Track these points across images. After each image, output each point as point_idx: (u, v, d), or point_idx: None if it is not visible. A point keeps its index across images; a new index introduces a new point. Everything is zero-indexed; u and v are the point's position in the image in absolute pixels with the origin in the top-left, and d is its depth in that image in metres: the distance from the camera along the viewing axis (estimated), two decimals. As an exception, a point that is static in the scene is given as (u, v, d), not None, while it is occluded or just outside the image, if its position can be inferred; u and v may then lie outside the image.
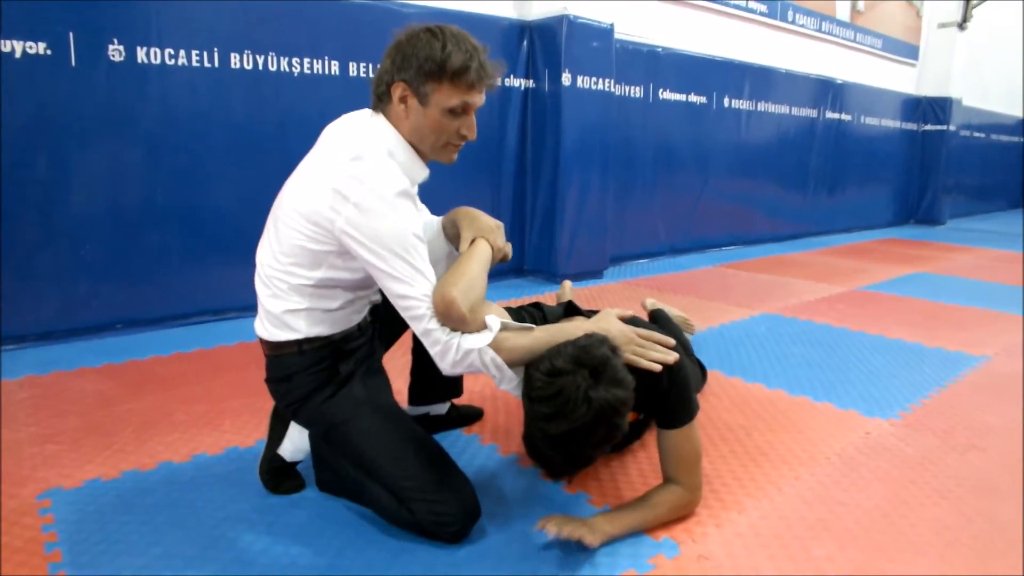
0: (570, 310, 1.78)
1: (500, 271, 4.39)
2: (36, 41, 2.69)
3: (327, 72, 3.44)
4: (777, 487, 1.83)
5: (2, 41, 2.63)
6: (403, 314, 1.45)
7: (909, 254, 6.24)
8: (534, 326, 1.51)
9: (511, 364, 1.47)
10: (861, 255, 6.08)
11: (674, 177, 5.47)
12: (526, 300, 3.23)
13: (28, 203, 2.75)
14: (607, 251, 4.71)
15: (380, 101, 1.53)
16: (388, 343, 1.88)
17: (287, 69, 3.33)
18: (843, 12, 7.14)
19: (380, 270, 1.41)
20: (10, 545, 1.47)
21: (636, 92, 5.01)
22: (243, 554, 1.47)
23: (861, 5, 7.36)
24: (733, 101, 5.88)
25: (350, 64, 3.51)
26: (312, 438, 1.69)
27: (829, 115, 7.03)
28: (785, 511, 1.71)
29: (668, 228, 5.51)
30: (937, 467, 1.98)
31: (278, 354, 1.59)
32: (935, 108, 8.56)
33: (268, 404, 1.84)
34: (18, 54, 2.66)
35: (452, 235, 1.72)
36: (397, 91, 1.48)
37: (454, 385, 2.12)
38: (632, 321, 1.64)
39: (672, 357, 1.53)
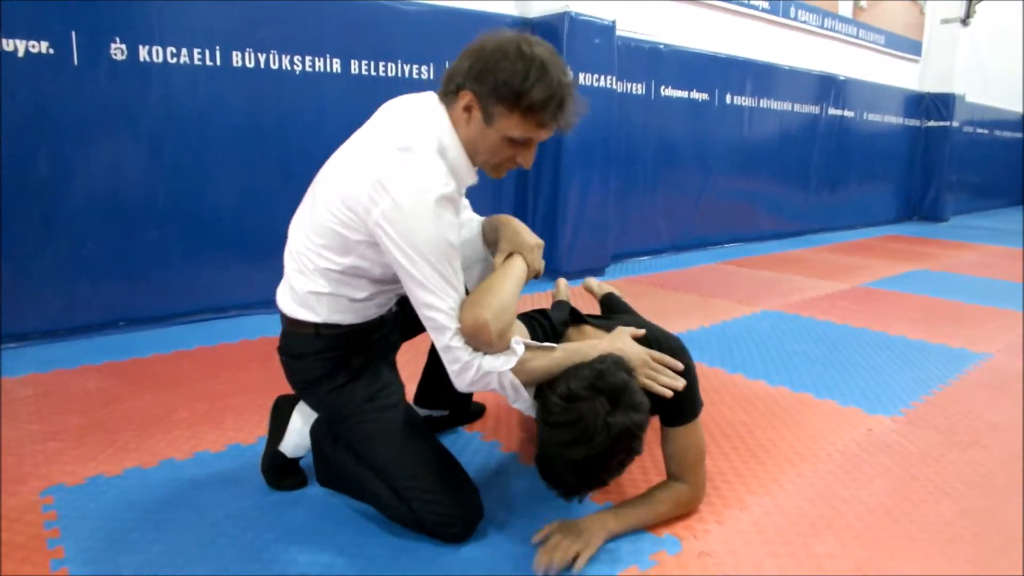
0: (575, 317, 1.76)
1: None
2: (38, 40, 2.69)
3: (328, 70, 3.44)
4: (779, 484, 1.83)
5: (4, 40, 2.63)
6: (425, 323, 1.41)
7: (912, 251, 6.23)
8: (555, 345, 1.49)
9: (527, 385, 1.45)
10: (863, 252, 6.07)
11: (676, 174, 5.46)
12: (526, 299, 3.23)
13: (30, 201, 2.75)
14: (609, 248, 4.70)
15: (446, 96, 1.45)
16: (410, 335, 1.85)
17: (288, 67, 3.33)
18: (845, 8, 7.12)
19: (408, 274, 1.36)
20: (12, 542, 1.48)
21: (638, 89, 5.00)
22: (245, 551, 1.47)
23: (864, 2, 7.34)
24: (735, 98, 5.87)
25: (351, 62, 3.51)
26: (313, 433, 1.68)
27: (831, 112, 7.02)
28: (787, 508, 1.71)
29: (670, 225, 5.51)
30: (939, 464, 1.98)
31: (295, 331, 1.56)
32: (938, 104, 8.54)
33: (270, 401, 1.85)
34: (20, 53, 2.66)
35: (491, 240, 1.67)
36: (465, 98, 1.40)
37: (465, 400, 2.12)
38: (643, 341, 1.61)
39: (680, 384, 1.52)
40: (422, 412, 2.05)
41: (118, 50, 2.86)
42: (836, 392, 2.52)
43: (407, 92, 3.74)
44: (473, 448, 2.00)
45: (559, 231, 4.30)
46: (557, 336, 1.67)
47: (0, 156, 2.66)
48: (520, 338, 1.45)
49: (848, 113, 7.28)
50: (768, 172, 6.41)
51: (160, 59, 2.96)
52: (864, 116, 7.57)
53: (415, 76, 3.74)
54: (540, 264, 1.60)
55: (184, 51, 3.02)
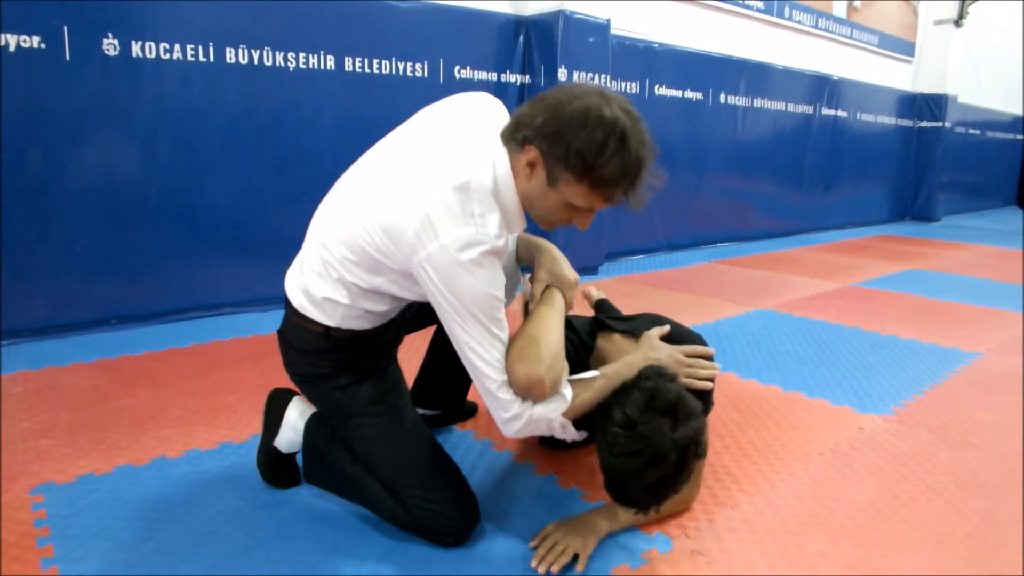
0: (599, 324, 1.75)
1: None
2: (30, 35, 2.67)
3: (322, 67, 3.43)
4: (770, 483, 1.83)
5: (-5, 34, 2.62)
6: (470, 371, 1.36)
7: (904, 251, 6.26)
8: (596, 374, 1.48)
9: (573, 419, 1.43)
10: (856, 251, 6.09)
11: (670, 173, 5.35)
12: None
13: (21, 198, 2.73)
14: (603, 247, 4.71)
15: (510, 141, 1.33)
16: (414, 329, 1.83)
17: (282, 64, 3.32)
18: (839, 9, 7.13)
19: (452, 318, 1.30)
20: (2, 540, 1.47)
21: (632, 88, 5.00)
22: (236, 550, 1.46)
23: (858, 3, 7.35)
24: (729, 97, 5.88)
25: (345, 59, 3.50)
26: (308, 429, 1.67)
27: (825, 111, 7.03)
28: (778, 506, 1.71)
29: (664, 224, 5.51)
30: (930, 463, 1.99)
31: (303, 325, 1.49)
32: (931, 105, 8.57)
33: (263, 399, 1.84)
34: (12, 47, 2.64)
35: (524, 258, 1.63)
36: (530, 154, 1.30)
37: (459, 399, 2.10)
38: (668, 338, 1.62)
39: (717, 368, 1.56)
40: None
41: (111, 45, 2.85)
42: (828, 391, 2.52)
43: (401, 89, 3.74)
44: (465, 446, 1.99)
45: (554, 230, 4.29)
46: (588, 349, 1.67)
47: (-9, 152, 2.66)
48: (567, 382, 1.42)
49: (842, 113, 7.29)
50: (762, 171, 6.42)
51: (153, 55, 2.95)
52: (857, 116, 7.59)
53: (409, 74, 3.73)
54: (573, 302, 1.56)
55: (177, 47, 3.01)
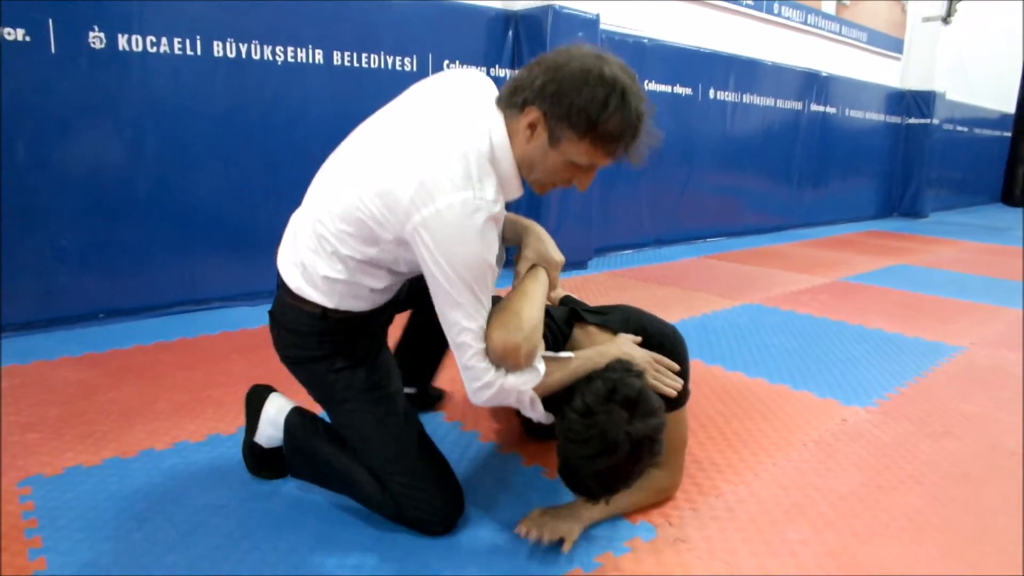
0: (576, 316, 1.77)
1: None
2: (14, 27, 2.66)
3: (311, 61, 3.43)
4: (754, 472, 1.85)
5: (-19, 27, 2.61)
6: (449, 339, 1.37)
7: (891, 246, 6.30)
8: (571, 355, 1.50)
9: (542, 396, 1.46)
10: (844, 247, 6.13)
11: (659, 168, 5.49)
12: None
13: (7, 192, 2.72)
14: (592, 242, 4.72)
15: (508, 106, 1.35)
16: (401, 310, 1.85)
17: (270, 58, 3.31)
18: (828, 6, 7.17)
19: (441, 288, 1.31)
20: (-10, 531, 1.48)
21: (621, 83, 5.01)
22: (224, 540, 1.47)
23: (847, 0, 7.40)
24: (719, 93, 5.90)
25: (334, 53, 3.50)
26: (288, 424, 1.67)
27: (814, 108, 7.07)
28: (761, 496, 1.73)
29: (653, 219, 5.53)
30: (912, 453, 2.01)
31: (298, 306, 1.48)
32: (919, 102, 8.62)
33: (250, 392, 1.85)
34: (-3, 40, 2.64)
35: (509, 238, 1.61)
36: (531, 116, 1.31)
37: (429, 379, 2.13)
38: (643, 334, 1.64)
39: (680, 383, 1.56)
40: None
41: (96, 39, 2.84)
42: (813, 384, 2.55)
43: (390, 84, 3.75)
44: (453, 437, 2.01)
45: (542, 224, 4.29)
46: (564, 337, 1.69)
47: (-23, 145, 2.65)
48: (542, 358, 1.45)
49: (830, 109, 7.33)
50: (751, 167, 6.45)
51: (140, 48, 2.94)
52: (846, 112, 7.63)
53: (398, 68, 3.73)
54: (557, 281, 1.58)
55: (164, 40, 3.00)
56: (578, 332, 1.70)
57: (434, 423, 2.10)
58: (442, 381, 2.25)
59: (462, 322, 1.33)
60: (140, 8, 2.91)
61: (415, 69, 3.79)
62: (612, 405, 1.34)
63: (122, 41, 2.89)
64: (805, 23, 6.85)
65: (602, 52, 1.33)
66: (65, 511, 1.56)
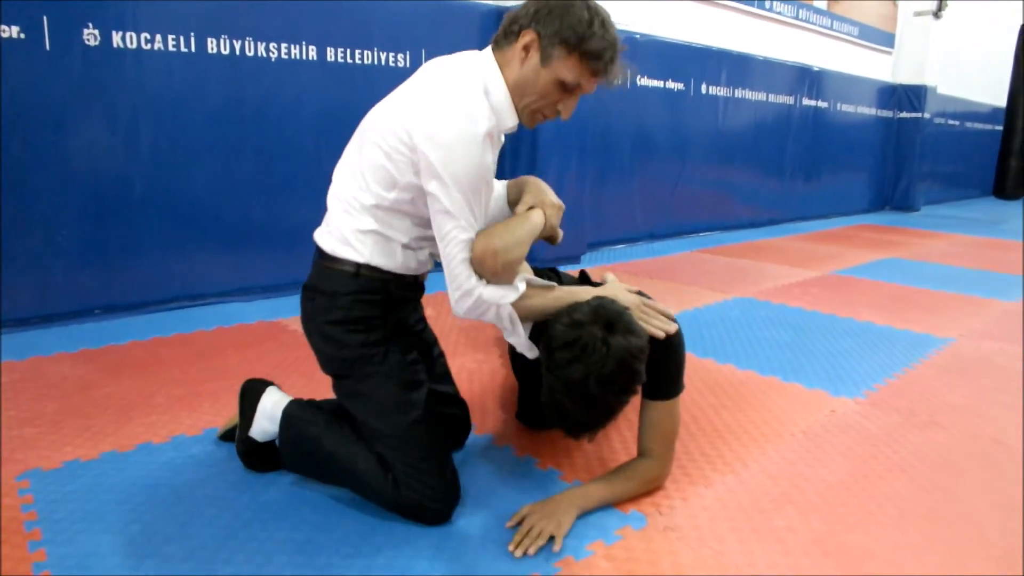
0: (583, 279, 1.84)
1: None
2: (9, 25, 2.67)
3: (304, 57, 3.44)
4: (743, 463, 1.88)
5: (-26, 25, 2.61)
6: (441, 250, 1.48)
7: (883, 240, 6.34)
8: (555, 284, 1.58)
9: (524, 320, 1.54)
10: (836, 240, 6.17)
11: (652, 163, 5.51)
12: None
13: (3, 189, 2.74)
14: (585, 237, 4.75)
15: (504, 39, 1.51)
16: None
17: (264, 54, 3.32)
18: (820, 0, 7.20)
19: (439, 202, 1.43)
20: (-10, 524, 1.50)
21: (614, 79, 5.03)
22: (222, 530, 1.50)
23: (838, -7, 7.43)
24: (711, 88, 5.92)
25: (328, 49, 3.51)
26: (286, 414, 1.68)
27: (806, 102, 7.11)
28: (750, 485, 1.77)
29: (646, 214, 5.56)
30: (898, 443, 2.05)
31: (332, 267, 1.57)
32: (910, 96, 8.67)
33: (246, 386, 1.87)
34: (-9, 38, 2.65)
35: (514, 200, 1.72)
36: (526, 38, 1.46)
37: None
38: (638, 295, 1.69)
39: (673, 327, 1.60)
40: None
41: (91, 35, 2.85)
42: (803, 376, 2.58)
43: (383, 80, 3.79)
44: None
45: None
46: None
47: (-28, 143, 2.66)
48: (525, 275, 1.53)
49: (822, 104, 7.37)
50: (743, 162, 6.48)
51: (134, 45, 2.95)
52: (838, 107, 7.67)
53: (391, 64, 3.75)
54: (557, 221, 1.67)
55: (159, 37, 3.01)
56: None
57: (428, 416, 2.12)
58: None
59: (453, 231, 1.45)
60: (134, 5, 2.92)
61: (408, 65, 3.81)
62: (596, 320, 1.42)
63: (116, 38, 2.90)
64: (797, 18, 6.88)
65: None
66: (64, 504, 1.59)
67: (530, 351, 1.59)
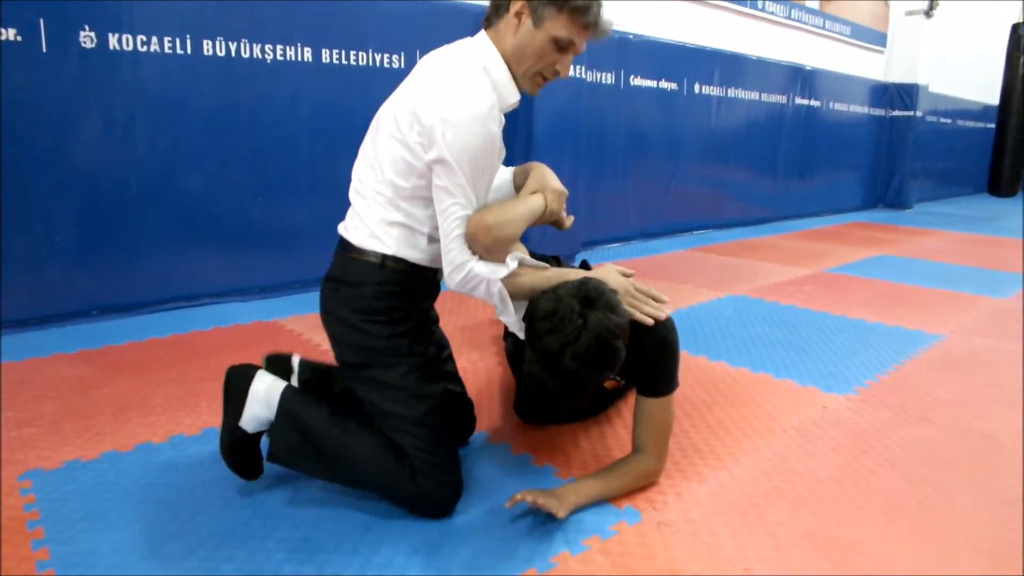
0: (582, 267, 1.86)
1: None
2: (6, 27, 2.68)
3: (299, 59, 3.46)
4: (736, 458, 1.91)
5: (-30, 28, 2.63)
6: (439, 224, 1.54)
7: (875, 237, 6.39)
8: (547, 266, 1.62)
9: (515, 298, 1.59)
10: (829, 238, 6.21)
11: (645, 162, 5.54)
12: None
13: (0, 190, 2.75)
14: (579, 235, 4.77)
15: (495, 13, 1.59)
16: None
17: (259, 56, 3.34)
18: (812, 0, 7.24)
19: (442, 177, 1.49)
20: (-8, 523, 1.52)
21: (607, 79, 5.07)
22: (221, 528, 1.52)
23: (830, -8, 7.47)
24: (704, 87, 5.96)
25: (322, 51, 3.53)
26: (284, 400, 1.62)
27: (799, 101, 7.14)
28: (743, 480, 1.79)
29: (639, 213, 5.59)
30: (889, 438, 2.08)
31: (359, 258, 1.60)
32: (902, 94, 8.71)
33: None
34: (-13, 41, 2.66)
35: (520, 185, 1.78)
36: (516, 5, 1.54)
37: None
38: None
39: (663, 314, 1.62)
40: None
41: (87, 38, 2.86)
42: (795, 372, 2.61)
43: (378, 81, 3.82)
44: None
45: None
46: None
47: (-32, 145, 2.67)
48: (518, 254, 1.56)
49: (815, 103, 7.41)
50: (736, 160, 6.51)
51: (130, 47, 2.97)
52: (830, 106, 7.71)
53: (386, 65, 3.77)
54: (559, 207, 1.71)
55: (155, 39, 3.02)
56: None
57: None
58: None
59: (451, 207, 1.51)
60: (130, 7, 2.94)
61: (403, 66, 3.83)
62: (576, 294, 1.46)
63: (113, 40, 2.92)
64: (789, 17, 6.92)
65: None
66: (65, 503, 1.61)
67: (520, 330, 1.62)
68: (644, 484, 1.72)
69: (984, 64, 10.79)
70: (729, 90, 6.22)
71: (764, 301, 3.70)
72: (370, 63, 3.72)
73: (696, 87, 5.87)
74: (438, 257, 1.62)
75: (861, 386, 2.49)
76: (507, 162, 4.74)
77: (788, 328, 3.20)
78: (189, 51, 3.12)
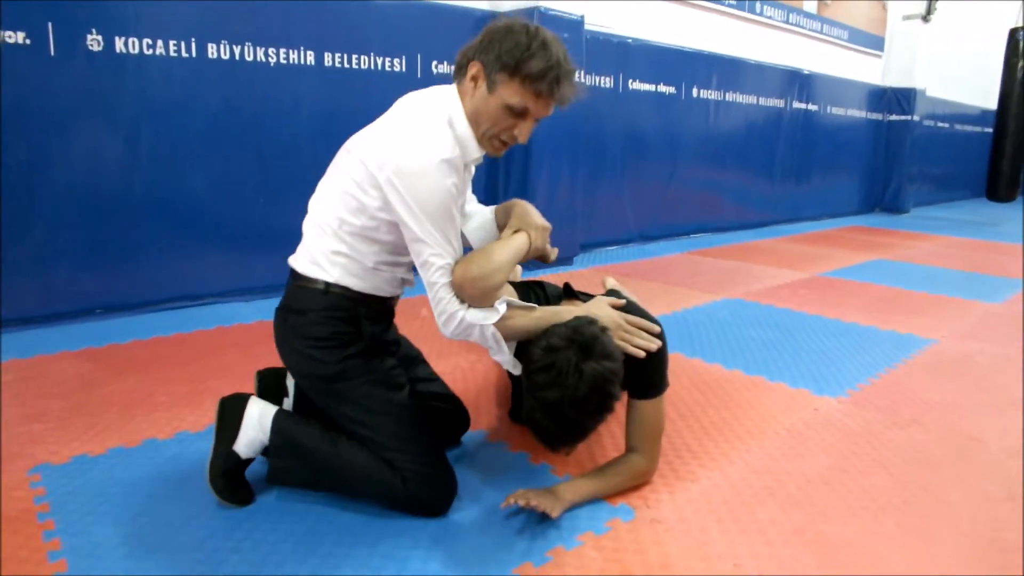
0: (568, 291, 1.89)
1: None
2: (15, 31, 2.73)
3: (302, 62, 3.51)
4: (728, 458, 1.96)
5: (-20, 30, 2.67)
6: (422, 276, 1.56)
7: (871, 241, 6.44)
8: (535, 306, 1.64)
9: (508, 340, 1.61)
10: (825, 242, 6.26)
11: (643, 166, 5.59)
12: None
13: (7, 190, 2.79)
14: (577, 238, 4.82)
15: (458, 72, 1.60)
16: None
17: (263, 59, 3.39)
18: (810, 4, 7.29)
19: (411, 229, 1.50)
20: (5, 515, 1.56)
21: (606, 83, 5.12)
22: (227, 522, 1.57)
23: (828, -2, 7.52)
24: (702, 91, 6.00)
25: (325, 55, 3.58)
26: (276, 423, 1.66)
27: (796, 105, 7.20)
28: (734, 480, 1.84)
29: (637, 216, 5.64)
30: (878, 440, 2.12)
31: (302, 286, 1.64)
32: (900, 99, 8.77)
33: (247, 385, 1.94)
34: (-4, 43, 2.70)
35: (502, 224, 1.79)
36: (472, 69, 1.55)
37: None
38: (626, 308, 1.73)
39: (655, 345, 1.66)
40: None
41: (94, 41, 2.91)
42: (787, 375, 2.66)
43: (379, 84, 3.87)
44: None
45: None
46: (550, 305, 1.79)
47: (-24, 146, 2.71)
48: (506, 298, 1.59)
49: (812, 107, 7.46)
50: (734, 164, 6.57)
51: (136, 51, 3.01)
52: (828, 110, 7.76)
53: (387, 68, 3.81)
54: (542, 243, 1.74)
55: (160, 43, 3.07)
56: (564, 304, 1.80)
57: (425, 413, 2.18)
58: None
59: (431, 259, 1.53)
60: (136, 11, 2.99)
61: (404, 70, 3.87)
62: (570, 343, 1.47)
63: (119, 43, 2.96)
64: (787, 22, 6.97)
65: (533, 22, 1.58)
66: (75, 497, 1.65)
67: (515, 368, 1.65)
68: (637, 483, 1.76)
69: (982, 68, 10.85)
70: (727, 94, 6.27)
71: (760, 304, 3.75)
72: (372, 67, 3.76)
73: (694, 91, 5.92)
74: (381, 286, 1.67)
75: (853, 389, 2.54)
76: (506, 168, 4.81)
77: (782, 331, 3.24)
78: (194, 54, 3.17)
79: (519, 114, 1.55)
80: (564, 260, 4.69)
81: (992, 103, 8.57)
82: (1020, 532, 1.64)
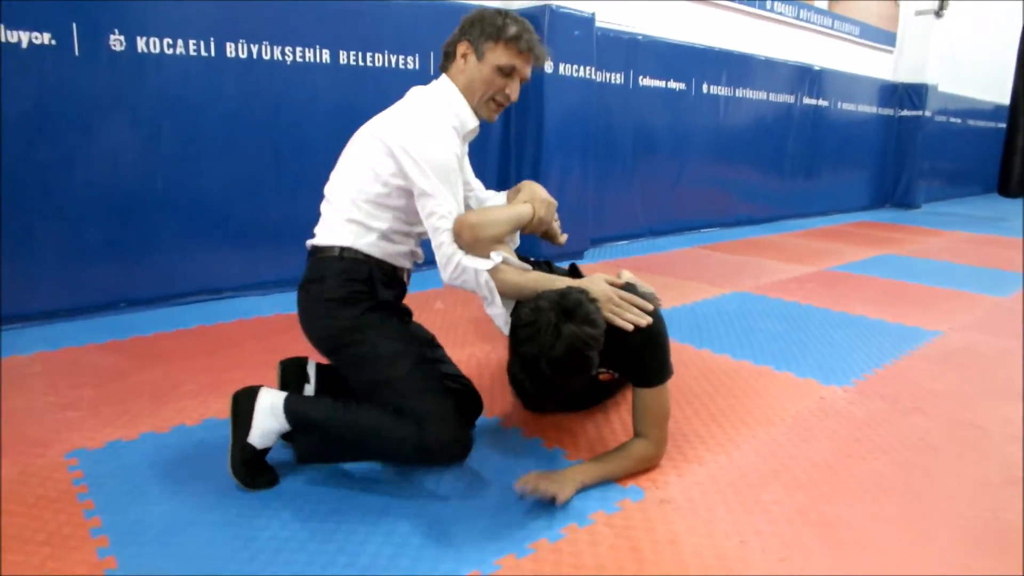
0: (573, 272, 1.97)
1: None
2: (41, 32, 2.82)
3: (318, 60, 3.59)
4: (735, 444, 2.02)
5: (8, 32, 2.76)
6: (427, 225, 1.74)
7: (881, 236, 6.46)
8: (531, 268, 1.75)
9: (502, 295, 1.75)
10: (834, 237, 6.29)
11: (653, 161, 5.64)
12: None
13: (32, 187, 2.88)
14: (587, 233, 4.89)
15: (446, 59, 1.85)
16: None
17: (280, 58, 3.47)
18: (821, 0, 7.31)
19: (419, 186, 1.70)
20: (46, 496, 1.65)
21: (617, 79, 5.17)
22: (255, 500, 1.65)
23: (838, -7, 7.54)
24: (712, 87, 6.05)
25: (340, 53, 3.66)
26: (288, 406, 1.72)
27: (806, 101, 7.22)
28: (740, 464, 1.91)
29: (647, 211, 5.69)
30: (882, 427, 2.18)
31: (319, 257, 1.80)
32: (911, 94, 8.76)
33: (269, 374, 2.02)
34: (24, 44, 2.79)
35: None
36: (461, 48, 1.80)
37: None
38: (625, 289, 1.78)
39: (645, 320, 1.71)
40: None
41: (117, 41, 2.99)
42: (795, 365, 2.72)
43: (393, 81, 3.97)
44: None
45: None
46: None
47: (1, 144, 2.80)
48: (502, 252, 1.72)
49: (823, 102, 7.48)
50: (744, 160, 6.60)
51: (157, 50, 3.10)
52: (839, 105, 7.78)
53: (400, 66, 3.88)
54: (546, 214, 1.89)
55: (180, 42, 3.16)
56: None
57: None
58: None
59: (435, 208, 1.71)
60: (157, 11, 3.07)
61: (417, 67, 3.94)
62: (554, 306, 1.56)
63: (141, 43, 3.05)
64: (798, 18, 7.00)
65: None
66: (111, 479, 1.74)
67: (505, 326, 1.76)
68: (644, 468, 1.83)
69: (995, 64, 10.82)
70: (737, 90, 6.31)
71: (768, 297, 3.80)
72: (386, 64, 3.84)
73: (704, 87, 5.96)
74: (393, 254, 1.83)
75: (858, 379, 2.60)
76: (517, 163, 4.87)
77: (790, 323, 3.30)
78: (213, 53, 3.25)
79: (508, 74, 1.80)
80: (574, 254, 4.75)
81: (1005, 98, 8.56)
82: (1019, 513, 1.70)
